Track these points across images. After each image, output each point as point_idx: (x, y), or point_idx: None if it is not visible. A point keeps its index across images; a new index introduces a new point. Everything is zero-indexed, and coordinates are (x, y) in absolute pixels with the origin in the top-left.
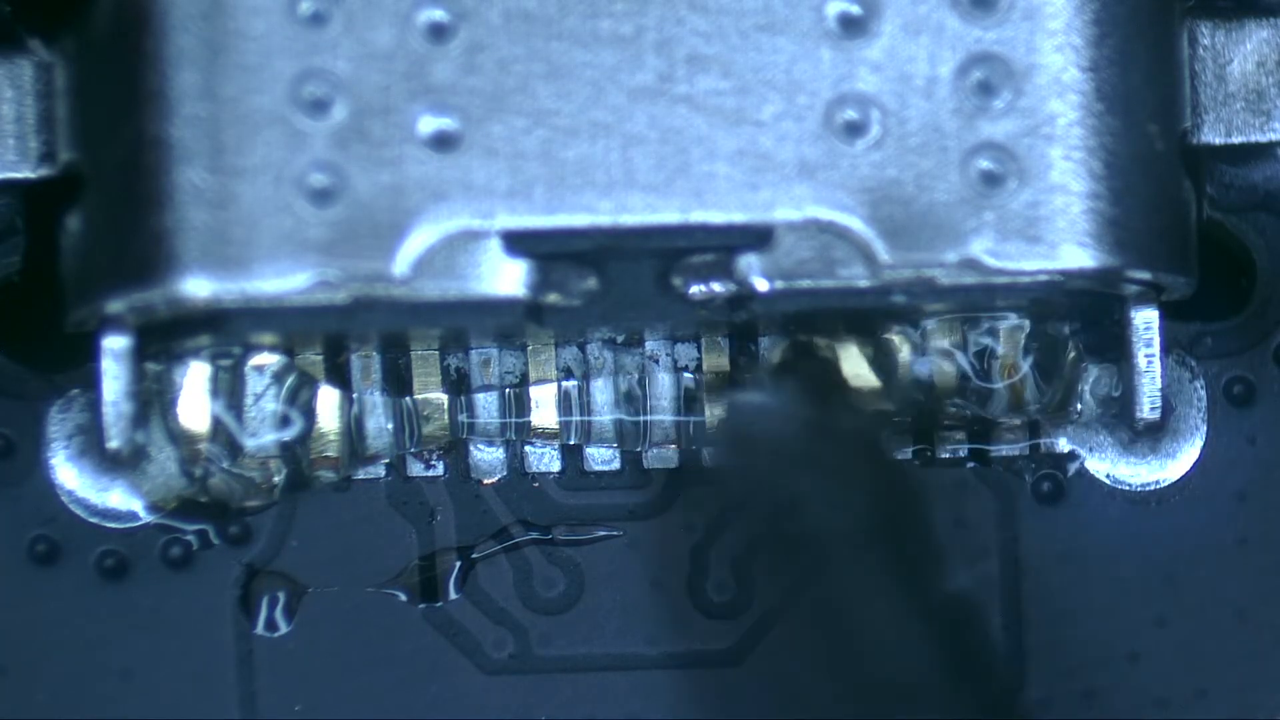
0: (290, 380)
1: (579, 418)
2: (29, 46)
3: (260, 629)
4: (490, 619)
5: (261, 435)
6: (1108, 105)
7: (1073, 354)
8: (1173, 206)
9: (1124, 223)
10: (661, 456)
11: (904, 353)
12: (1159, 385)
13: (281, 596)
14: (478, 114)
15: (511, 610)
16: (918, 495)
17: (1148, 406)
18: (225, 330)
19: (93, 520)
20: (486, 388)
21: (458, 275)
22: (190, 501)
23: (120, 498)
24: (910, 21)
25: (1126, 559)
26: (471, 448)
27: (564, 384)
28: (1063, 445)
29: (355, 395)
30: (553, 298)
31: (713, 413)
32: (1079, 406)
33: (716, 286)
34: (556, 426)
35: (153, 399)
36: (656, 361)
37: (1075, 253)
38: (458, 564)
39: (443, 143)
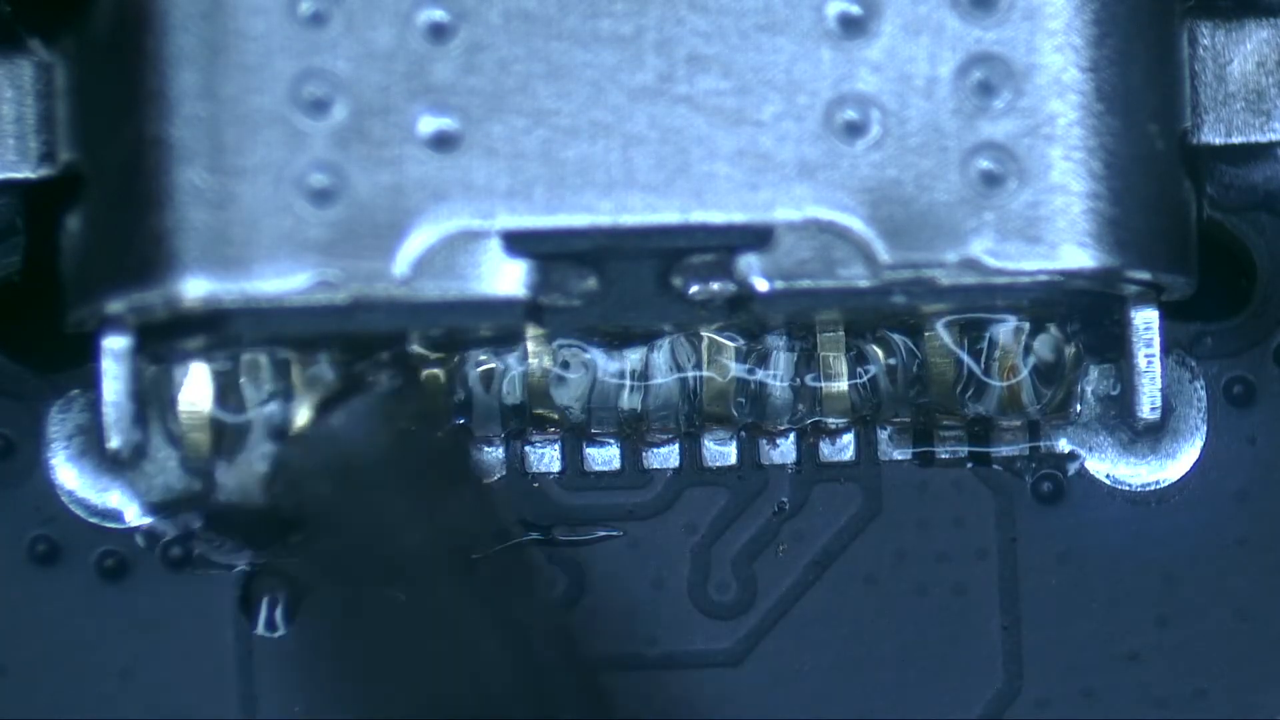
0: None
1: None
2: (29, 46)
3: (260, 629)
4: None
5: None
6: (1108, 105)
7: (1073, 354)
8: (1173, 206)
9: (1124, 223)
10: (661, 456)
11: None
12: (1159, 385)
13: (281, 597)
14: (478, 114)
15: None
16: (493, 513)
17: (1148, 407)
18: (225, 330)
19: (93, 520)
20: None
21: (458, 275)
22: (190, 501)
23: (120, 498)
24: (910, 21)
25: (1126, 559)
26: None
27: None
28: (1063, 445)
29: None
30: (553, 298)
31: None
32: (1079, 407)
33: (716, 286)
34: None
35: (153, 399)
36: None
37: (1075, 253)
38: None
39: (443, 143)
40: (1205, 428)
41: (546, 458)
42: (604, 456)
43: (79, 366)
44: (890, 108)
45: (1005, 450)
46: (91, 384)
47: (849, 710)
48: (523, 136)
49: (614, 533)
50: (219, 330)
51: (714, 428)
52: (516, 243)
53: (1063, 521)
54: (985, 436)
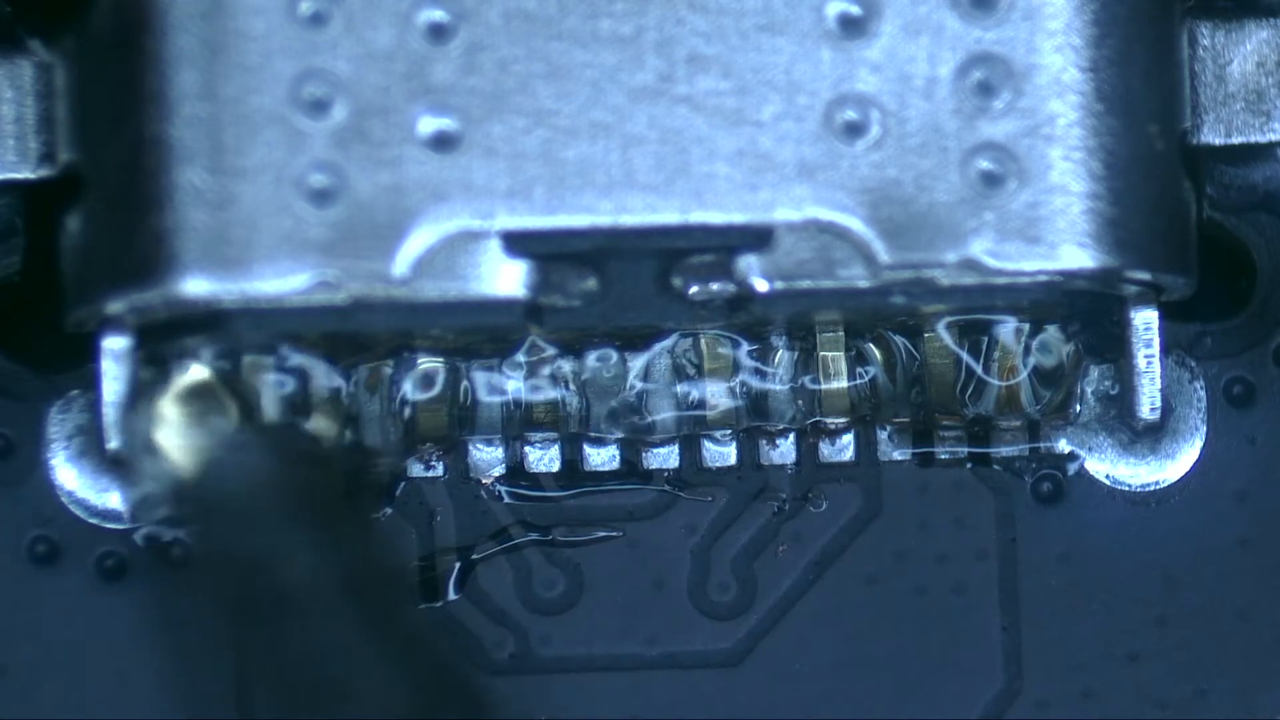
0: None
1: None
2: (29, 47)
3: None
4: (490, 619)
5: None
6: (1108, 105)
7: (1073, 354)
8: (1172, 207)
9: (1124, 223)
10: (661, 456)
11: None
12: (1159, 385)
13: None
14: (478, 114)
15: (511, 610)
16: (372, 541)
17: (1148, 407)
18: (225, 330)
19: (93, 520)
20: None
21: (458, 275)
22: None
23: (120, 498)
24: (910, 22)
25: (1126, 559)
26: (471, 447)
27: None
28: (1062, 446)
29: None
30: (552, 298)
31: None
32: (1079, 407)
33: (716, 287)
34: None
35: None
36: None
37: (1075, 253)
38: (458, 564)
39: (443, 143)
40: (1205, 428)
41: (546, 458)
42: (604, 457)
43: (79, 366)
44: (890, 108)
45: (1005, 450)
46: (91, 384)
47: (849, 710)
48: (523, 137)
49: (613, 533)
50: (219, 330)
51: (714, 428)
52: (516, 243)
53: (1063, 522)
54: (985, 437)
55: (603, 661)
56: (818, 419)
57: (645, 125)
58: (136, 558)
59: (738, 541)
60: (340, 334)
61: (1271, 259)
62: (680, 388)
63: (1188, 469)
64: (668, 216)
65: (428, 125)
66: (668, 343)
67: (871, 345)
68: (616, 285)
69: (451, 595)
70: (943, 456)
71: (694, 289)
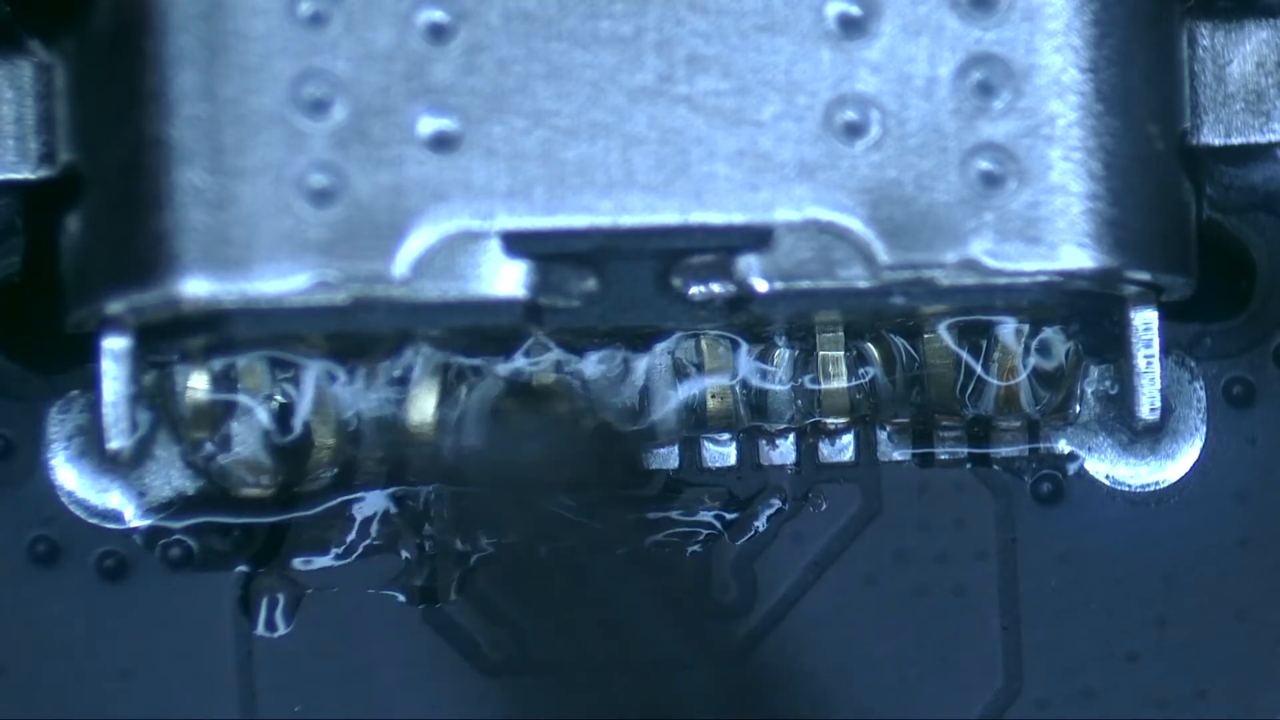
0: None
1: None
2: (29, 47)
3: (260, 629)
4: (490, 619)
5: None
6: (1107, 106)
7: (1073, 355)
8: (1172, 207)
9: (1123, 223)
10: (661, 456)
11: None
12: (1158, 386)
13: (281, 597)
14: (477, 114)
15: (511, 611)
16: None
17: (1147, 407)
18: (225, 331)
19: (93, 520)
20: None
21: (457, 276)
22: (190, 500)
23: (120, 498)
24: (910, 22)
25: (1126, 559)
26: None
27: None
28: (1062, 446)
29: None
30: (552, 298)
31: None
32: (1078, 408)
33: (716, 287)
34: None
35: (154, 398)
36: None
37: (1075, 253)
38: (457, 565)
39: (442, 143)
40: (1205, 428)
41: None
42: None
43: (79, 366)
44: (890, 108)
45: (1005, 451)
46: (91, 384)
47: (849, 710)
48: (522, 137)
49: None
50: (219, 331)
51: (714, 428)
52: (516, 243)
53: (1062, 522)
54: (985, 437)
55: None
56: (817, 419)
57: (645, 125)
58: (136, 558)
59: (738, 541)
60: (340, 334)
61: (1271, 259)
62: (680, 388)
63: (1188, 469)
64: (668, 217)
65: (428, 125)
66: (669, 344)
67: (871, 345)
68: (616, 285)
69: (451, 596)
70: (942, 456)
71: (694, 289)
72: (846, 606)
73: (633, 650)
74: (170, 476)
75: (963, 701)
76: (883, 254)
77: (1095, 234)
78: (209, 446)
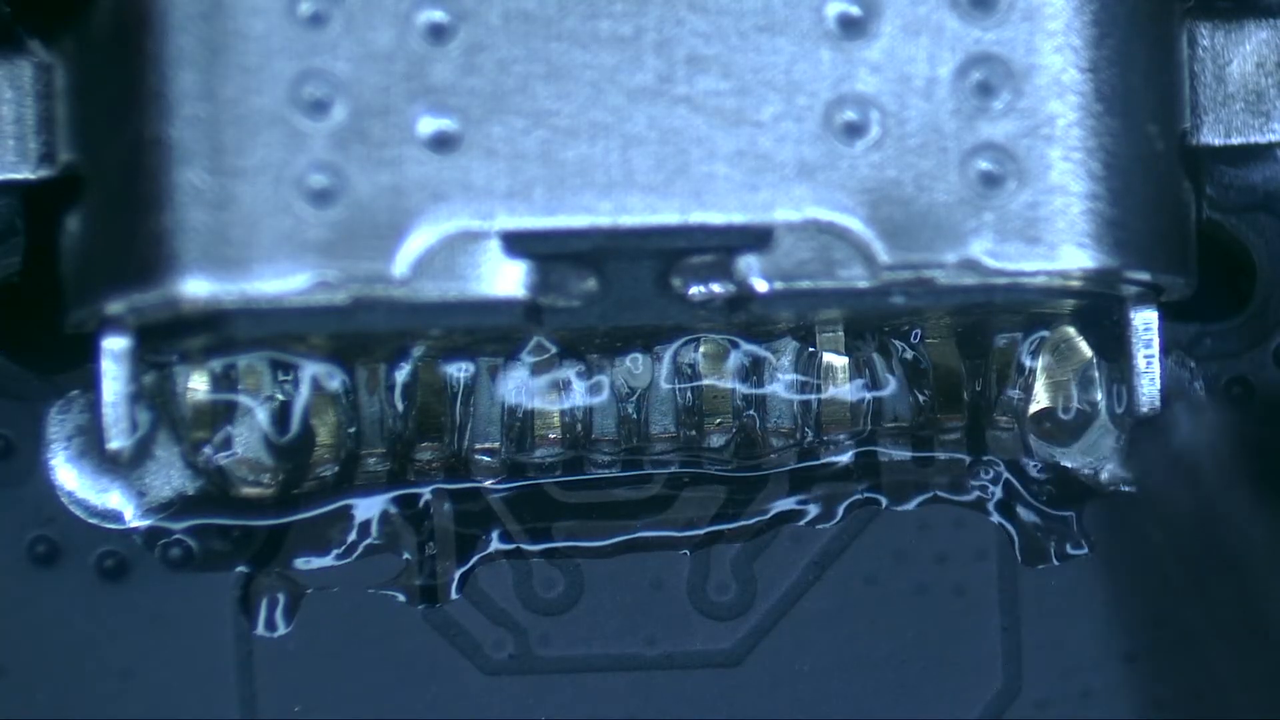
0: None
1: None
2: (29, 47)
3: (260, 629)
4: (490, 620)
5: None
6: (1107, 106)
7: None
8: (1172, 207)
9: (1123, 223)
10: (661, 457)
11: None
12: (1158, 386)
13: (281, 596)
14: (477, 114)
15: (511, 611)
16: None
17: (1147, 407)
18: (225, 331)
19: (93, 520)
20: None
21: (457, 276)
22: (190, 500)
23: (120, 498)
24: (910, 22)
25: (1126, 559)
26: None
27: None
28: (1061, 449)
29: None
30: (552, 298)
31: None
32: (1078, 409)
33: (716, 287)
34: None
35: (154, 398)
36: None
37: (1074, 253)
38: (457, 565)
39: (442, 143)
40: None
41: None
42: (603, 457)
43: (79, 367)
44: (890, 108)
45: (1004, 452)
46: (91, 384)
47: (849, 710)
48: (522, 137)
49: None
50: (219, 331)
51: (714, 429)
52: (516, 243)
53: (1062, 522)
54: (984, 438)
55: (602, 661)
56: (818, 422)
57: (645, 125)
58: (136, 558)
59: (738, 541)
60: (340, 334)
61: (1271, 259)
62: (680, 389)
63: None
64: (667, 217)
65: (427, 125)
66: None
67: (871, 346)
68: (616, 285)
69: (452, 596)
70: (942, 457)
71: (694, 289)
72: (846, 606)
73: None
74: (170, 476)
75: (963, 701)
76: (883, 254)
77: (1095, 234)
78: (209, 446)
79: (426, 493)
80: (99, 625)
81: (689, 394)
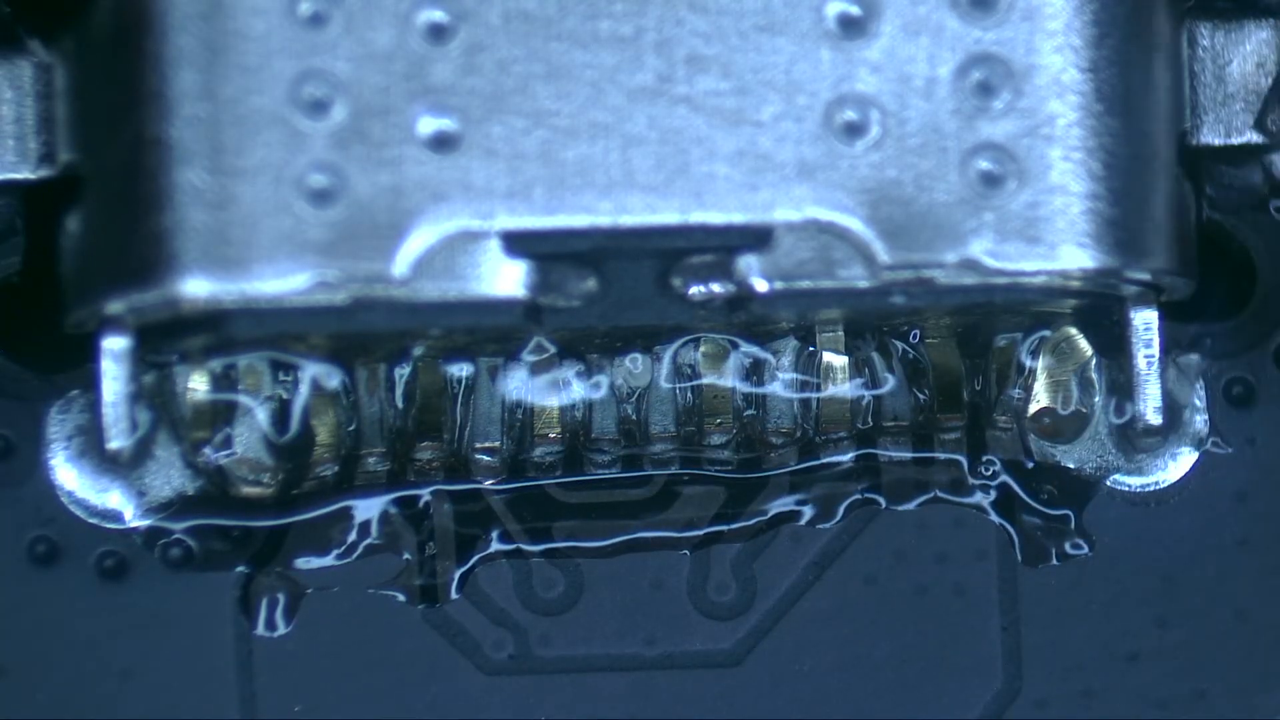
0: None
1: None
2: (29, 47)
3: (260, 629)
4: (490, 620)
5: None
6: (1107, 106)
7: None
8: (1172, 207)
9: (1123, 223)
10: (661, 457)
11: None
12: (1159, 386)
13: (281, 596)
14: (477, 114)
15: (511, 611)
16: None
17: (1149, 407)
18: (225, 331)
19: (93, 520)
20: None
21: (457, 276)
22: (190, 500)
23: (120, 498)
24: (910, 22)
25: (1126, 559)
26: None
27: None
28: (1061, 447)
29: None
30: (552, 298)
31: None
32: (1079, 409)
33: (716, 287)
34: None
35: (154, 398)
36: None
37: (1075, 253)
38: (457, 565)
39: (442, 143)
40: (1205, 428)
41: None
42: (603, 457)
43: (79, 366)
44: (890, 108)
45: (1003, 452)
46: (91, 384)
47: (849, 710)
48: (522, 137)
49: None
50: (219, 331)
51: (713, 429)
52: (516, 243)
53: (1063, 522)
54: (984, 437)
55: (602, 661)
56: (818, 422)
57: (645, 125)
58: (136, 558)
59: (738, 541)
60: (340, 334)
61: (1271, 259)
62: (680, 389)
63: (1187, 469)
64: (667, 217)
65: (427, 125)
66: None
67: (871, 346)
68: (616, 285)
69: (452, 596)
70: (942, 457)
71: (693, 289)
72: (846, 606)
73: None
74: (170, 476)
75: (963, 701)
76: (883, 254)
77: (1095, 234)
78: (209, 447)
79: (426, 493)
80: (99, 625)
81: (689, 394)
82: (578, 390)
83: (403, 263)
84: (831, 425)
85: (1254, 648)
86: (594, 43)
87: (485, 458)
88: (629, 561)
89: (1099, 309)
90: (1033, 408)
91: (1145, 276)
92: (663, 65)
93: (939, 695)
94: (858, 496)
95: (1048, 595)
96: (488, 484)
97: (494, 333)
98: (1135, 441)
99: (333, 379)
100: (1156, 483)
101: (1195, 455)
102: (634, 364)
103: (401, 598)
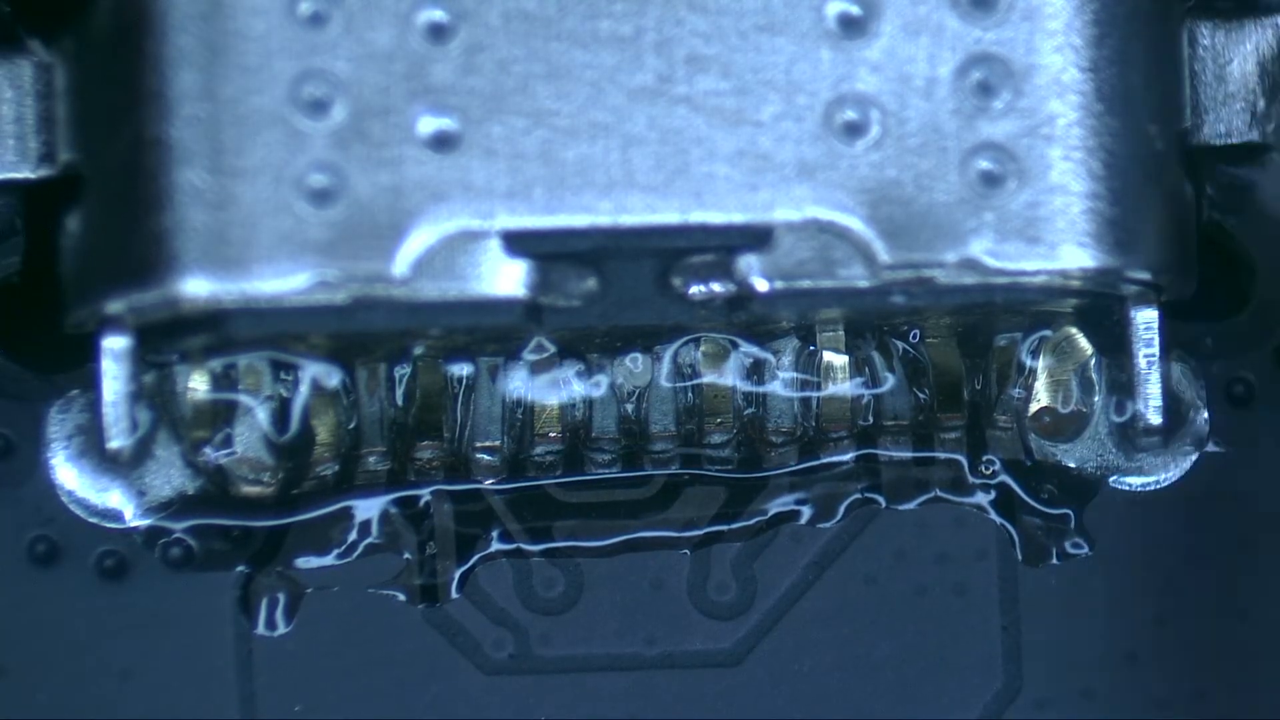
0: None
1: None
2: (29, 47)
3: (260, 629)
4: (490, 619)
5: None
6: (1108, 105)
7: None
8: (1173, 206)
9: (1124, 223)
10: (662, 456)
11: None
12: (1160, 385)
13: (281, 596)
14: (477, 114)
15: (511, 610)
16: None
17: (1149, 407)
18: (225, 331)
19: (93, 520)
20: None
21: (457, 276)
22: (190, 500)
23: (120, 498)
24: (910, 22)
25: (1126, 559)
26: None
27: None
28: (1061, 447)
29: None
30: (552, 298)
31: None
32: (1079, 409)
33: (716, 287)
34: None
35: (154, 398)
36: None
37: (1075, 253)
38: (457, 565)
39: (442, 143)
40: (1205, 428)
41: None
42: (604, 456)
43: (79, 366)
44: (890, 108)
45: (1004, 451)
46: (91, 384)
47: (849, 710)
48: (522, 137)
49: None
50: (219, 330)
51: (714, 430)
52: (516, 243)
53: (1063, 521)
54: (984, 437)
55: (602, 661)
56: (819, 421)
57: (645, 125)
58: (136, 557)
59: (738, 541)
60: (340, 334)
61: (1271, 259)
62: (680, 388)
63: (1187, 469)
64: (667, 216)
65: (428, 125)
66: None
67: (872, 346)
68: (616, 285)
69: (452, 595)
70: (942, 457)
71: (694, 289)
72: (846, 606)
73: None
74: (170, 476)
75: (963, 701)
76: (883, 253)
77: (1095, 234)
78: (209, 446)
79: (426, 493)
80: (99, 625)
81: (689, 393)
82: (578, 389)
83: (403, 262)
84: (832, 424)
85: (1254, 648)
86: (594, 43)
87: (485, 457)
88: (629, 561)
89: (1099, 308)
90: (1033, 407)
91: (1145, 276)
92: (663, 65)
93: (939, 695)
94: (858, 496)
95: (1048, 595)
96: (488, 483)
97: (494, 332)
98: (1136, 441)
99: (333, 378)
100: (1156, 482)
101: (1195, 455)
102: (634, 363)
103: (402, 597)
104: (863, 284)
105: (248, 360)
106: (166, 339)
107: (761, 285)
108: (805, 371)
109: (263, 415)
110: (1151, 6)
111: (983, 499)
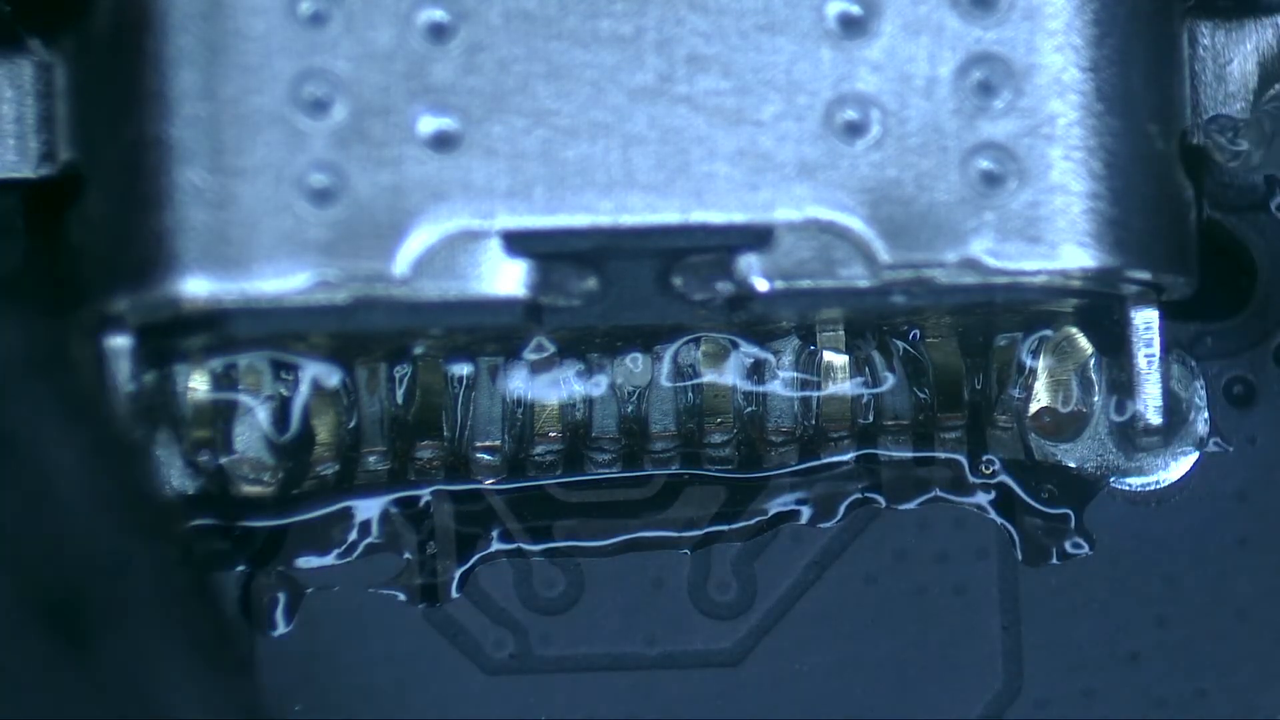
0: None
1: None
2: (29, 46)
3: (260, 629)
4: (490, 619)
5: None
6: (1108, 105)
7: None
8: (1173, 206)
9: (1124, 223)
10: (662, 456)
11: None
12: (1160, 386)
13: (282, 596)
14: (478, 114)
15: (511, 610)
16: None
17: (1149, 407)
18: (225, 330)
19: None
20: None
21: (458, 275)
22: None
23: None
24: (910, 21)
25: (1126, 559)
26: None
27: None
28: (1061, 447)
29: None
30: (552, 298)
31: None
32: (1080, 409)
33: (716, 286)
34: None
35: (154, 398)
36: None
37: (1075, 253)
38: (458, 564)
39: (443, 143)
40: (1205, 428)
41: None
42: (604, 456)
43: None
44: (890, 108)
45: (1004, 451)
46: None
47: (849, 710)
48: (523, 136)
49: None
50: (219, 330)
51: (714, 429)
52: (516, 243)
53: (1063, 521)
54: (984, 437)
55: (603, 661)
56: (819, 421)
57: (645, 125)
58: None
59: (738, 541)
60: (341, 334)
61: (1271, 259)
62: (680, 388)
63: (1188, 469)
64: (668, 216)
65: (428, 125)
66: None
67: (872, 346)
68: (616, 285)
69: (452, 595)
70: (942, 457)
71: (694, 289)
72: (846, 606)
73: None
74: (170, 476)
75: (963, 701)
76: (883, 253)
77: (1096, 233)
78: (209, 446)
79: (427, 492)
80: None
81: (689, 393)
82: (578, 389)
83: (403, 262)
84: (832, 424)
85: (1254, 648)
86: (594, 42)
87: (486, 457)
88: (629, 561)
89: (1100, 308)
90: (1033, 407)
91: (1146, 276)
92: (663, 65)
93: (939, 695)
94: (858, 496)
95: (1048, 595)
96: (488, 483)
97: (494, 332)
98: (1136, 441)
99: (333, 378)
100: (1157, 482)
101: (1195, 455)
102: (634, 363)
103: (402, 597)
104: (863, 284)
105: (248, 360)
106: (167, 338)
107: (762, 285)
108: (805, 371)
109: (263, 415)
110: (1151, 6)
111: (983, 499)
